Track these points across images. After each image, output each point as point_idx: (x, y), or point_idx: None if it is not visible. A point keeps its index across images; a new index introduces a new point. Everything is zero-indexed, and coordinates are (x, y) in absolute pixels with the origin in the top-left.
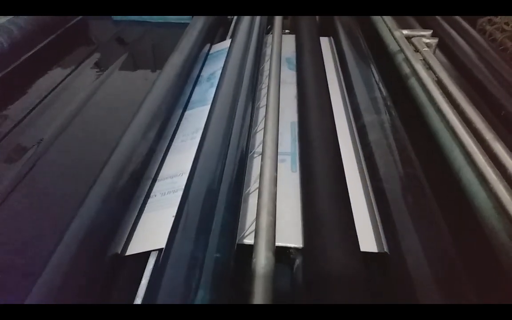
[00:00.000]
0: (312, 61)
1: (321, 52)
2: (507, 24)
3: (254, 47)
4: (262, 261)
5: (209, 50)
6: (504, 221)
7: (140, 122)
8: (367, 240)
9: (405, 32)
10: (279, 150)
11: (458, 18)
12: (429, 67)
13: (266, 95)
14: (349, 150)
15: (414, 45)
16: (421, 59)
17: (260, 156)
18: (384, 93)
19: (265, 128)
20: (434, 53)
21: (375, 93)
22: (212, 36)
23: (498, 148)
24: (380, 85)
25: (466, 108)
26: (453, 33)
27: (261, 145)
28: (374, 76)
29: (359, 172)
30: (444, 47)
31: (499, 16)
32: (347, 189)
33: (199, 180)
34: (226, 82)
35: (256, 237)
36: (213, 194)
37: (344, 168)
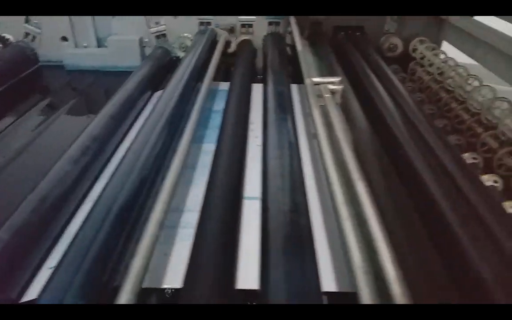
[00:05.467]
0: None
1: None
2: (430, 66)
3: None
4: None
5: (150, 97)
6: None
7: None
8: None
9: (316, 79)
10: None
11: (384, 67)
12: (326, 113)
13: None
14: None
15: (320, 91)
16: (321, 104)
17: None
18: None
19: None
20: (340, 98)
21: (283, 134)
22: (156, 83)
23: (361, 186)
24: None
25: (343, 150)
26: (373, 78)
27: None
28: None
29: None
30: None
31: (427, 59)
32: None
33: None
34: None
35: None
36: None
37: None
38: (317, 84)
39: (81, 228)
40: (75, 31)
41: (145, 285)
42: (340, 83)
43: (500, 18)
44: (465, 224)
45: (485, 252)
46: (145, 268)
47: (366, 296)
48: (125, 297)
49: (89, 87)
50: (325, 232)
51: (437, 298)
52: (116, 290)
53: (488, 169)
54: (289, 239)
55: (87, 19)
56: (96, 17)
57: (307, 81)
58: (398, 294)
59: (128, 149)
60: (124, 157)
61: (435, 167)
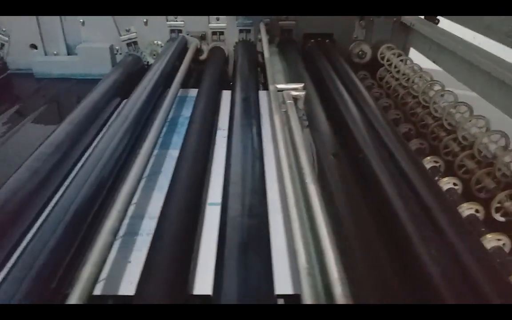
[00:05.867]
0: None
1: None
2: (397, 72)
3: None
4: None
5: (119, 104)
6: None
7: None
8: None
9: (279, 86)
10: None
11: (350, 73)
12: (287, 118)
13: None
14: None
15: (283, 97)
16: (284, 111)
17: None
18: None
19: None
20: (302, 104)
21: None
22: (126, 90)
23: (312, 189)
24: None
25: (301, 153)
26: (339, 84)
27: None
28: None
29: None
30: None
31: (393, 65)
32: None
33: None
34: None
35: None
36: None
37: None
38: (281, 90)
39: (34, 236)
40: (44, 39)
41: (98, 292)
42: (303, 89)
43: (462, 25)
44: (417, 225)
45: (435, 253)
46: (96, 276)
47: (307, 297)
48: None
49: (58, 95)
50: (282, 235)
51: (387, 298)
52: (65, 297)
53: (450, 172)
54: (244, 244)
55: (57, 26)
56: (65, 24)
57: (270, 87)
58: (339, 294)
59: (88, 156)
60: (83, 164)
61: (392, 170)
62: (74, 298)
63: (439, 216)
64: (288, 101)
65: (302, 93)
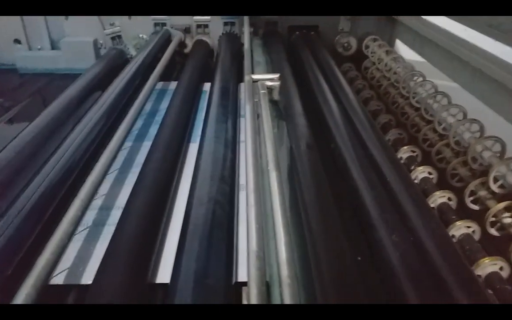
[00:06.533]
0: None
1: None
2: (381, 64)
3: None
4: None
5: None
6: None
7: None
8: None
9: (255, 76)
10: None
11: (332, 65)
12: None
13: None
14: None
15: (258, 87)
16: (256, 100)
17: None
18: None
19: None
20: (277, 95)
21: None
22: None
23: (273, 177)
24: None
25: (267, 141)
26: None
27: None
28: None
29: None
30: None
31: (377, 56)
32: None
33: None
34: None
35: None
36: None
37: None
38: (256, 81)
39: None
40: (28, 34)
41: (60, 281)
42: (278, 79)
43: (447, 17)
44: (381, 211)
45: (396, 238)
46: (53, 264)
47: (253, 281)
48: (25, 291)
49: (42, 90)
50: (244, 223)
51: (342, 282)
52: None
53: (428, 162)
54: (206, 232)
55: (40, 21)
56: (49, 19)
57: (246, 77)
58: (285, 276)
59: (57, 147)
60: (52, 155)
61: (363, 159)
62: (28, 286)
63: (405, 203)
64: (262, 91)
65: (277, 84)
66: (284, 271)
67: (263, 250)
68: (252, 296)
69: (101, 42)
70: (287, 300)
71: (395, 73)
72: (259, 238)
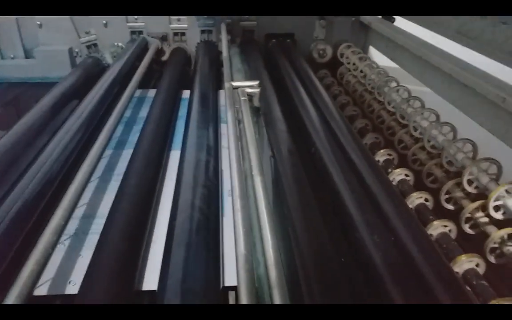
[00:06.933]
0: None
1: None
2: (356, 70)
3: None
4: None
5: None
6: None
7: None
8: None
9: (235, 83)
10: None
11: (308, 71)
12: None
13: None
14: None
15: (238, 94)
16: (237, 107)
17: None
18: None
19: None
20: (258, 101)
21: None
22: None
23: (258, 182)
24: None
25: (250, 147)
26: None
27: None
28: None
29: None
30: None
31: (352, 63)
32: None
33: None
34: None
35: None
36: None
37: None
38: (236, 88)
39: None
40: (1, 42)
41: (44, 292)
42: (258, 86)
43: (416, 23)
44: (362, 213)
45: (377, 238)
46: (37, 274)
47: (242, 284)
48: (9, 302)
49: (16, 100)
50: (231, 229)
51: (328, 282)
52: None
53: (404, 164)
54: (192, 239)
55: (13, 29)
56: (22, 27)
57: (226, 84)
58: (274, 278)
59: (35, 157)
60: (30, 166)
61: (342, 163)
62: (12, 297)
63: (385, 205)
64: (242, 98)
65: (257, 90)
66: (273, 273)
67: (251, 253)
68: (243, 297)
69: (76, 50)
70: (277, 301)
71: (370, 79)
72: (247, 242)
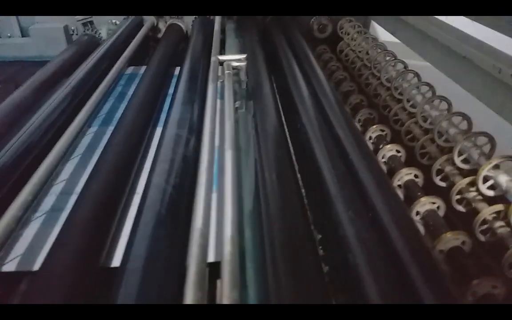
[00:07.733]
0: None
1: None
2: (355, 45)
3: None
4: None
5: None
6: None
7: None
8: None
9: (222, 57)
10: None
11: (305, 47)
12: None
13: None
14: None
15: (224, 68)
16: (221, 81)
17: None
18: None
19: None
20: (245, 76)
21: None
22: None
23: (228, 155)
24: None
25: (226, 121)
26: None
27: None
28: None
29: None
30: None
31: (351, 37)
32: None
33: None
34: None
35: None
36: None
37: None
38: (222, 62)
39: None
40: None
41: (10, 268)
42: (245, 60)
43: None
44: (340, 188)
45: (352, 214)
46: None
47: (193, 258)
48: None
49: (12, 78)
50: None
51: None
52: None
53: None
54: (161, 215)
55: None
56: None
57: (212, 58)
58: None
59: (18, 134)
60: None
61: (327, 138)
62: None
63: (367, 182)
64: (227, 71)
65: (243, 64)
66: (228, 248)
67: (208, 228)
68: (190, 276)
69: (72, 28)
70: (226, 277)
71: (367, 53)
72: (205, 217)
